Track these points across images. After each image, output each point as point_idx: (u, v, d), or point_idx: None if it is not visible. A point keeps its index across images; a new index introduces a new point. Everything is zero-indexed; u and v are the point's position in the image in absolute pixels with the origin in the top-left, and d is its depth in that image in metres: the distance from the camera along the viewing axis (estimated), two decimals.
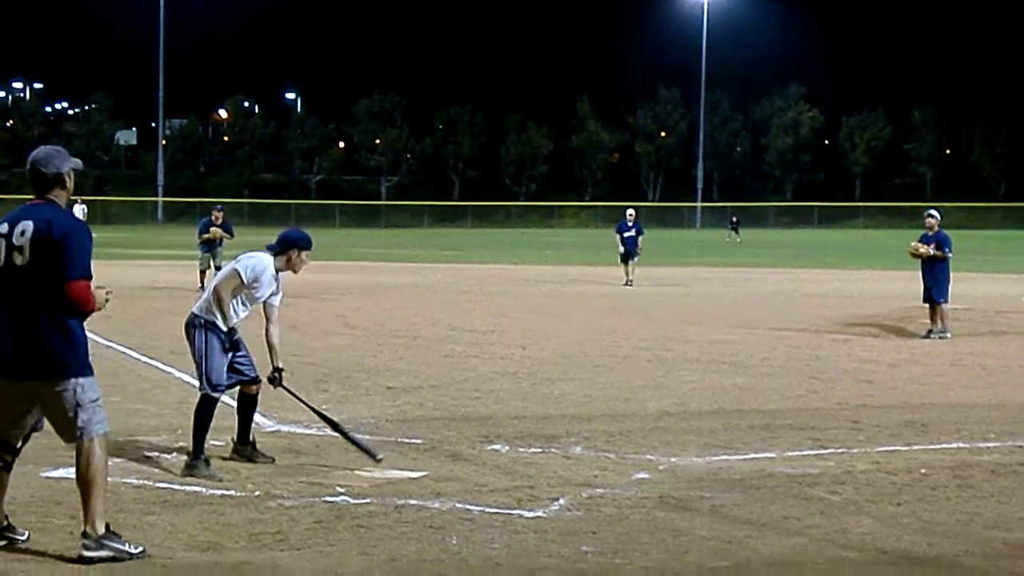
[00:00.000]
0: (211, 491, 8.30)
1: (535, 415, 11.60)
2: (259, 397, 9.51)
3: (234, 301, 9.23)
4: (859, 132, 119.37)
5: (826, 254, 52.53)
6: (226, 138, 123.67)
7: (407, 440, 10.16)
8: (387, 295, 26.83)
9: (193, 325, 9.24)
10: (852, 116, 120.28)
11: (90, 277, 6.53)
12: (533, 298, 26.87)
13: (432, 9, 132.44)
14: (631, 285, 30.92)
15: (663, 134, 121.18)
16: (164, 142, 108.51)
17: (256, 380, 9.40)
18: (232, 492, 8.29)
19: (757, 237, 74.26)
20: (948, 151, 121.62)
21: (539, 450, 9.83)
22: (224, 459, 9.19)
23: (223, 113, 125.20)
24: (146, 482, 8.54)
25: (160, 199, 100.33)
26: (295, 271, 9.52)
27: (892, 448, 10.08)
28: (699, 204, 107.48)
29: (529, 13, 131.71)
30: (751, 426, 11.00)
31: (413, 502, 8.03)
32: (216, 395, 9.09)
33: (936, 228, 19.57)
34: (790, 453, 9.82)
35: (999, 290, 29.08)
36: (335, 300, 25.23)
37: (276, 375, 9.43)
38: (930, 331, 19.01)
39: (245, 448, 9.35)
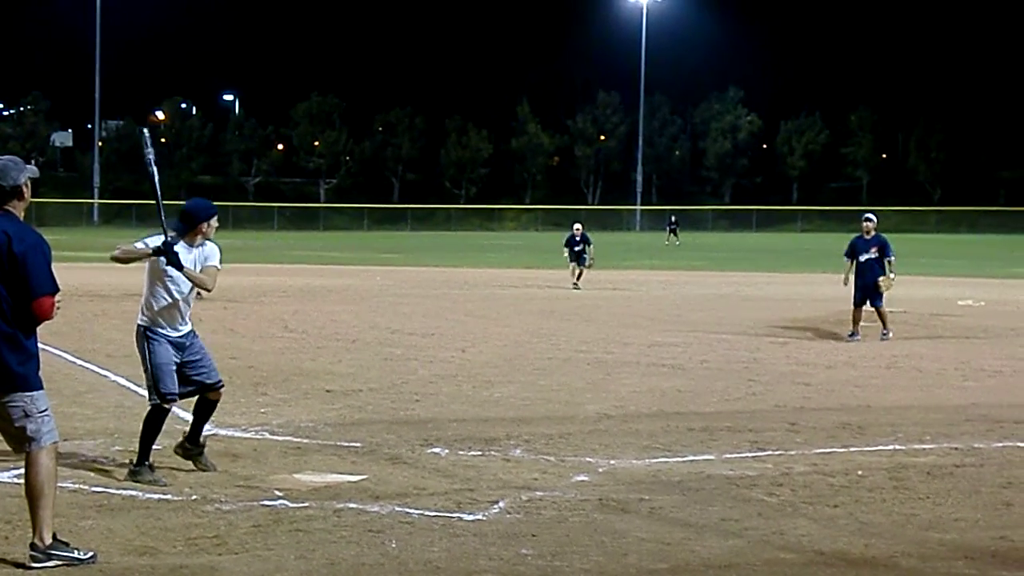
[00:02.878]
0: (148, 495, 8.22)
1: (475, 418, 11.58)
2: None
3: (157, 291, 8.77)
4: (796, 136, 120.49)
5: (764, 257, 52.93)
6: (163, 140, 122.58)
7: (346, 444, 10.11)
8: (326, 298, 26.70)
9: (138, 334, 8.94)
10: (789, 120, 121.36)
11: (57, 290, 6.55)
12: (473, 301, 26.85)
13: (371, 11, 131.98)
14: (578, 288, 30.94)
15: (603, 138, 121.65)
16: (100, 144, 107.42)
17: (217, 386, 9.15)
18: (169, 496, 8.21)
19: (696, 240, 74.68)
20: (884, 155, 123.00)
21: (479, 453, 9.82)
22: (164, 460, 9.08)
23: (160, 115, 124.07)
24: (82, 486, 8.44)
25: (96, 201, 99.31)
26: (208, 238, 8.95)
27: (829, 450, 10.16)
28: (638, 207, 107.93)
29: (469, 16, 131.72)
30: (690, 428, 11.05)
31: (352, 506, 7.99)
32: (167, 407, 8.85)
33: (873, 232, 19.75)
34: (728, 455, 9.87)
35: (934, 293, 29.43)
36: (273, 303, 25.08)
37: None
38: (853, 333, 19.19)
39: (194, 448, 9.13)
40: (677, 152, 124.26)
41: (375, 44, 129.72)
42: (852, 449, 10.23)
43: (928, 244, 64.74)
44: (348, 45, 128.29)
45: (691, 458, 9.76)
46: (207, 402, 9.20)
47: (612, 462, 9.55)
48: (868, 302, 19.33)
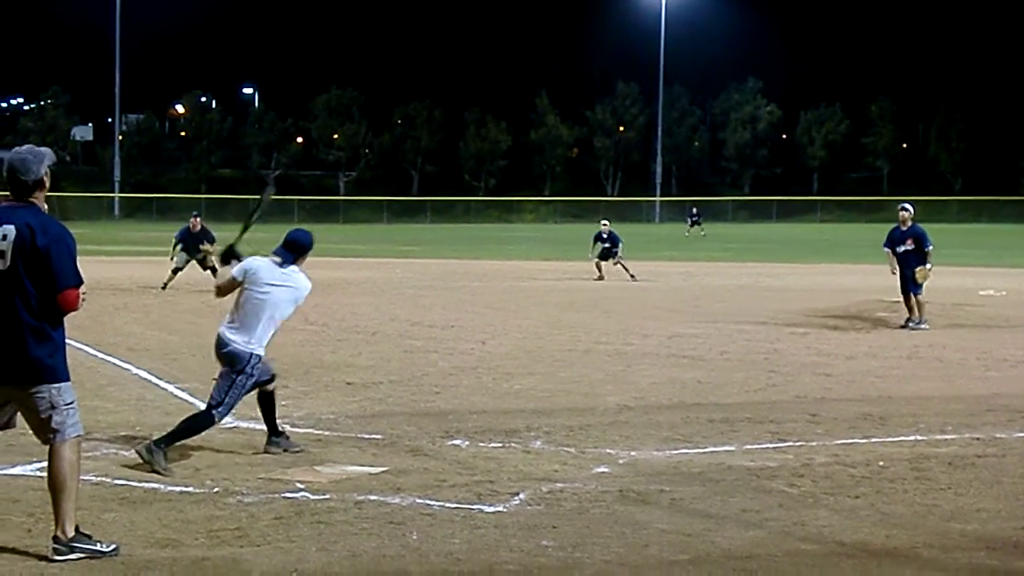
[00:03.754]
0: (169, 488, 8.25)
1: (495, 410, 11.60)
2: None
3: (274, 324, 9.32)
4: (816, 126, 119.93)
5: (784, 248, 52.79)
6: (183, 133, 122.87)
7: (367, 436, 10.14)
8: (346, 291, 26.74)
9: (245, 357, 9.09)
10: (809, 110, 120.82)
11: (81, 282, 6.59)
12: (492, 293, 26.86)
13: (390, 4, 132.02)
14: (603, 279, 31.06)
15: (622, 129, 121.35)
16: (120, 137, 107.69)
17: (271, 379, 9.51)
18: (191, 488, 8.24)
19: (715, 231, 74.48)
20: (905, 145, 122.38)
21: (499, 445, 9.83)
22: (186, 452, 9.12)
23: (180, 108, 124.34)
24: (104, 479, 8.48)
25: (117, 195, 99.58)
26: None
27: (850, 441, 10.14)
28: (658, 199, 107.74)
29: (487, 8, 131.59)
30: (710, 420, 11.04)
31: (373, 498, 8.01)
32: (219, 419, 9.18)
33: (909, 222, 19.74)
34: (749, 446, 9.86)
35: (956, 283, 29.29)
36: None
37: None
38: (908, 320, 19.23)
39: (280, 439, 9.51)
40: (696, 143, 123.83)
41: (394, 37, 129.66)
42: (873, 440, 10.21)
43: (949, 234, 64.42)
44: (367, 38, 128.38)
45: (712, 449, 9.75)
46: (265, 394, 9.52)
47: (632, 453, 9.55)
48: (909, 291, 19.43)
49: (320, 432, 10.29)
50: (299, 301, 9.44)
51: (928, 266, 19.49)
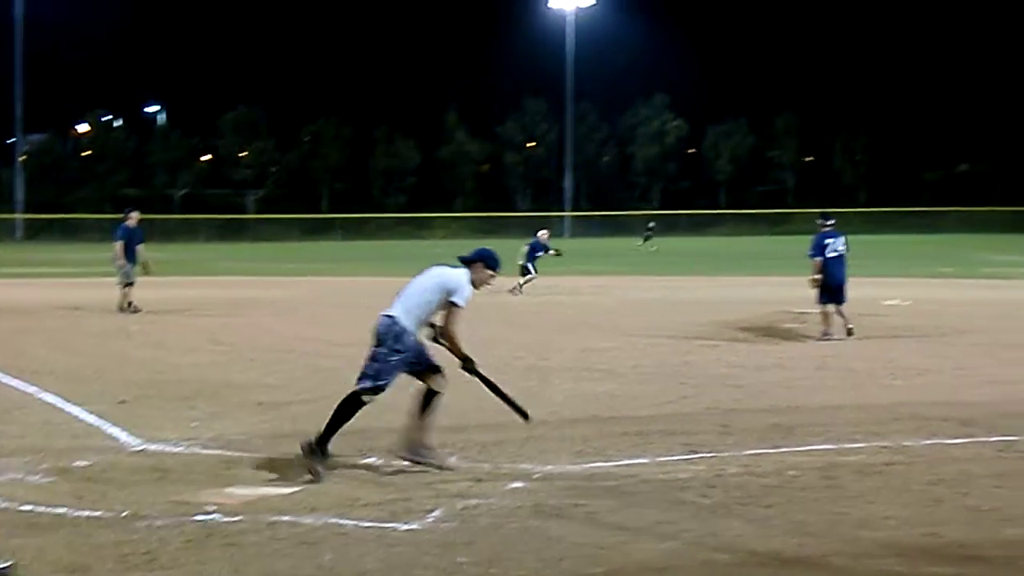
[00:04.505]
0: (77, 513, 8.10)
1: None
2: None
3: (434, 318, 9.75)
4: (723, 140, 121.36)
5: (693, 261, 53.25)
6: (87, 152, 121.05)
7: (279, 456, 10.03)
8: (256, 310, 26.50)
9: (398, 330, 9.65)
10: (716, 125, 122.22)
11: None
12: None
13: (296, 22, 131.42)
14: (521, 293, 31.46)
15: (531, 145, 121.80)
16: (22, 158, 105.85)
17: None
18: (99, 513, 8.10)
19: (624, 245, 74.94)
20: (809, 158, 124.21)
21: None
22: (96, 476, 8.96)
23: (83, 128, 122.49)
24: (10, 504, 8.30)
25: (19, 216, 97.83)
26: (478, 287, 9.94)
27: (761, 451, 10.24)
28: (568, 214, 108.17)
29: (395, 26, 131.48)
30: (624, 432, 11.08)
31: (286, 518, 7.93)
32: (368, 395, 9.50)
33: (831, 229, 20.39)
34: (662, 458, 9.92)
35: (862, 293, 29.64)
36: (201, 316, 24.85)
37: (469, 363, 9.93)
38: (826, 333, 19.51)
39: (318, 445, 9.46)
40: (605, 158, 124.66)
41: (301, 54, 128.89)
42: (784, 450, 10.31)
43: (854, 245, 65.29)
44: (274, 55, 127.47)
45: (625, 462, 9.79)
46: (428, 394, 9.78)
47: (547, 467, 9.56)
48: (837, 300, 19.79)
49: (231, 453, 10.17)
50: (452, 297, 9.67)
51: (839, 242, 20.02)
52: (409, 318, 9.67)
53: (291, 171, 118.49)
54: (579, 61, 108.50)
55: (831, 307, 19.91)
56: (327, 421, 9.34)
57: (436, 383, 9.70)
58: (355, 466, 9.66)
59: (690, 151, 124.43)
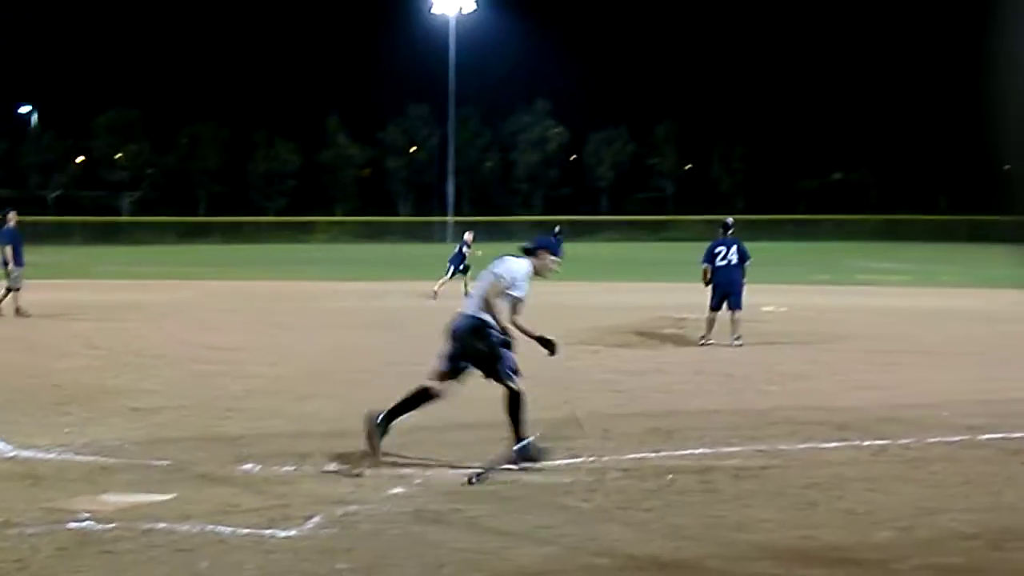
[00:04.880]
0: None
1: (288, 433, 11.43)
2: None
3: (499, 301, 10.14)
4: (604, 148, 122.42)
5: (575, 267, 53.50)
6: None
7: (154, 462, 9.86)
8: (132, 314, 26.04)
9: (487, 330, 10.06)
10: (597, 132, 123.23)
11: None
12: (284, 314, 26.52)
13: (174, 22, 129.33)
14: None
15: (413, 149, 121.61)
16: None
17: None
18: None
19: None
20: (688, 166, 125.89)
21: (292, 468, 9.69)
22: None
23: None
24: None
25: None
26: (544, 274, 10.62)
27: (640, 455, 10.32)
28: (450, 219, 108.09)
29: (275, 27, 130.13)
30: (504, 438, 11.07)
31: (161, 525, 7.79)
32: (519, 383, 9.95)
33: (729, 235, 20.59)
34: (543, 463, 9.93)
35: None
36: (76, 320, 24.36)
37: (549, 344, 10.62)
38: (704, 337, 19.71)
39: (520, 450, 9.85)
40: (488, 164, 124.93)
41: (178, 56, 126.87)
42: (663, 453, 10.41)
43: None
44: (150, 56, 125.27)
45: (505, 467, 9.79)
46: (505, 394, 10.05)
47: (428, 473, 9.53)
48: (728, 306, 20.00)
49: (105, 459, 9.97)
50: (499, 275, 10.30)
51: (732, 250, 20.48)
52: (483, 312, 10.20)
53: (168, 173, 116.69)
54: (461, 66, 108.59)
55: (715, 314, 20.12)
56: (512, 425, 9.94)
57: (511, 382, 10.13)
58: (232, 473, 9.52)
59: (571, 158, 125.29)
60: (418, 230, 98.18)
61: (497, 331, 10.11)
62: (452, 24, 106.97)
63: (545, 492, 8.88)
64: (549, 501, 8.60)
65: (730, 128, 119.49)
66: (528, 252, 10.55)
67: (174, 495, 8.69)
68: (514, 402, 9.97)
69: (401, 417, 10.02)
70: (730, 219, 21.13)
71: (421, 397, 10.14)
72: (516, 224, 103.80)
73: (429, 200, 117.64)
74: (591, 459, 10.11)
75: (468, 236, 34.11)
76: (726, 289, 20.12)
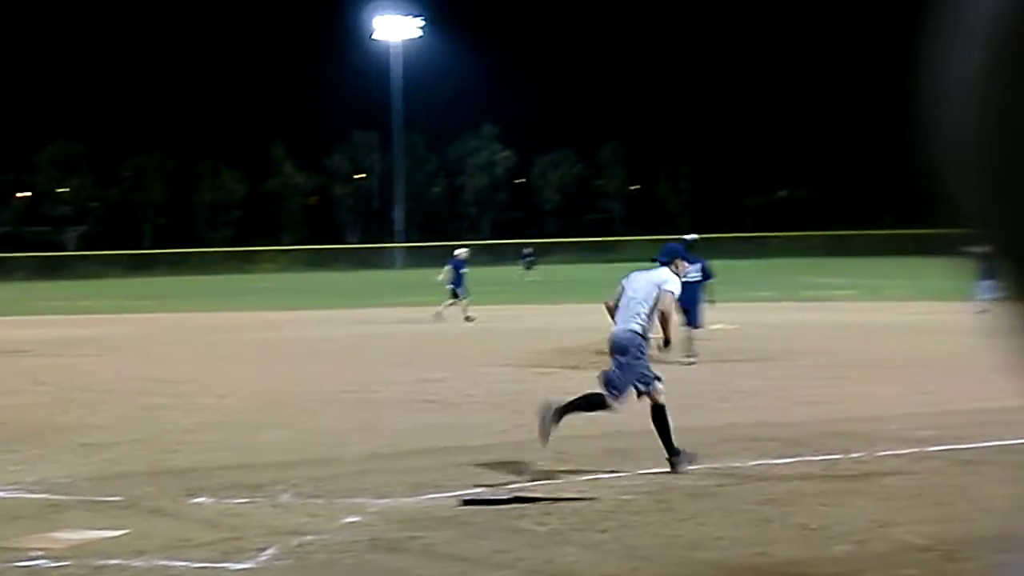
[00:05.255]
0: None
1: (240, 464, 11.34)
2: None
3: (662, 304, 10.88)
4: (551, 170, 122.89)
5: (527, 289, 53.60)
6: None
7: (105, 498, 9.75)
8: (78, 349, 25.78)
9: (634, 342, 10.66)
10: (544, 155, 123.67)
11: None
12: (234, 345, 26.35)
13: (116, 53, 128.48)
14: (471, 320, 31.71)
15: (360, 176, 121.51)
16: None
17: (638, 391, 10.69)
18: None
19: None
20: (635, 187, 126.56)
21: (245, 500, 9.61)
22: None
23: None
24: None
25: None
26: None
27: (596, 476, 10.32)
28: (398, 245, 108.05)
29: (219, 57, 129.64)
30: (459, 463, 11.06)
31: (113, 562, 7.70)
32: (662, 393, 10.59)
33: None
34: (498, 487, 9.91)
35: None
36: (23, 356, 24.08)
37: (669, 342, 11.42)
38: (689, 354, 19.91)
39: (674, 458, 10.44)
40: (435, 189, 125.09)
41: (120, 88, 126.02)
42: (618, 474, 10.41)
43: None
44: (92, 89, 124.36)
45: (461, 493, 9.76)
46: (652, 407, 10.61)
47: (382, 501, 9.47)
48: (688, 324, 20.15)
49: (55, 497, 9.85)
50: (661, 286, 10.88)
51: (696, 268, 20.55)
52: (643, 325, 10.81)
53: (112, 207, 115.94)
54: (406, 92, 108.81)
55: (684, 331, 20.24)
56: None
57: (658, 395, 10.64)
58: (184, 507, 9.43)
59: (519, 181, 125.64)
60: (367, 257, 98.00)
61: (645, 347, 10.75)
62: (396, 50, 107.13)
63: (501, 516, 8.85)
64: (505, 525, 8.58)
65: (676, 148, 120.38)
66: (665, 263, 11.26)
67: (126, 531, 8.60)
68: (659, 414, 10.53)
69: (569, 415, 10.64)
70: (692, 236, 21.22)
71: (595, 403, 10.75)
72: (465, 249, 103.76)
73: (377, 227, 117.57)
74: (545, 482, 10.09)
75: (463, 253, 33.73)
76: (684, 306, 20.20)
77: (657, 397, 10.63)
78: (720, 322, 28.66)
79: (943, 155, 0.68)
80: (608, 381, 10.68)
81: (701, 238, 23.82)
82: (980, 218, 0.68)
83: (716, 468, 10.60)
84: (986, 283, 28.63)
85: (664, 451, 10.47)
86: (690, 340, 20.02)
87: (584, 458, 11.18)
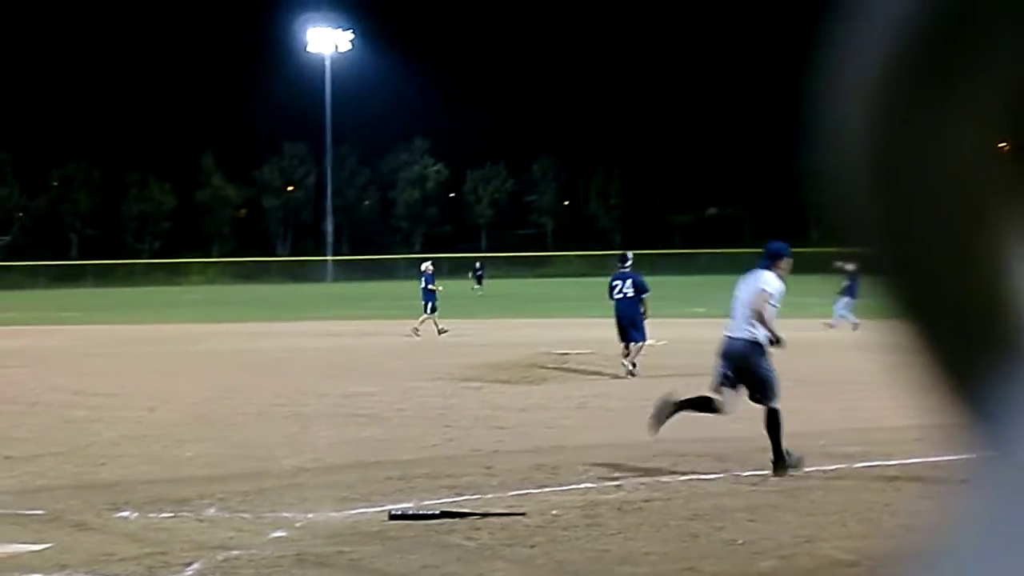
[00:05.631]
0: None
1: (166, 478, 11.22)
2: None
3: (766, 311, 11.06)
4: (483, 185, 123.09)
5: (456, 304, 53.53)
6: None
7: (28, 512, 9.61)
8: (3, 360, 25.38)
9: (753, 351, 11.05)
10: (476, 169, 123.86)
11: None
12: (160, 358, 26.08)
13: (42, 60, 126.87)
14: (443, 332, 31.43)
15: (291, 188, 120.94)
16: None
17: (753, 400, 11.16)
18: None
19: (388, 290, 74.99)
20: (567, 202, 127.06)
21: (171, 515, 9.50)
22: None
23: None
24: None
25: None
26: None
27: (525, 491, 10.31)
28: (329, 258, 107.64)
29: (147, 66, 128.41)
30: (388, 477, 11.01)
31: None
32: (778, 403, 10.95)
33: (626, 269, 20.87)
34: (427, 502, 9.88)
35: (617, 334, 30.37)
36: None
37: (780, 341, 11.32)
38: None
39: (779, 463, 10.77)
40: (367, 202, 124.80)
41: (47, 96, 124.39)
42: (547, 489, 10.42)
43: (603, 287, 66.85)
44: (18, 97, 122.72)
45: (390, 507, 9.71)
46: (765, 412, 11.00)
47: (310, 515, 9.41)
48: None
49: None
50: (761, 289, 11.14)
51: (627, 284, 21.27)
52: (751, 330, 11.12)
53: (38, 217, 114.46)
54: (338, 105, 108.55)
55: (624, 347, 20.49)
56: (772, 440, 10.84)
57: (772, 400, 11.00)
58: (108, 521, 9.31)
59: (451, 195, 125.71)
60: (297, 270, 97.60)
61: (766, 352, 11.09)
62: (328, 62, 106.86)
63: (429, 531, 8.82)
64: (433, 540, 8.55)
65: (607, 163, 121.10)
66: (768, 267, 11.41)
67: (49, 545, 8.47)
68: (773, 420, 10.86)
69: (680, 413, 11.22)
70: (629, 253, 21.48)
71: (705, 405, 11.27)
72: (396, 262, 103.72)
73: (307, 239, 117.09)
74: (475, 496, 10.08)
75: (428, 267, 33.59)
76: (621, 322, 20.53)
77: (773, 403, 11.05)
78: (649, 338, 28.81)
79: (832, 164, 0.67)
80: (757, 389, 11.09)
81: (638, 254, 24.01)
82: (865, 231, 0.67)
83: (645, 483, 10.64)
84: (844, 300, 29.67)
85: (771, 452, 10.88)
86: (632, 351, 20.33)
87: (513, 473, 11.18)
